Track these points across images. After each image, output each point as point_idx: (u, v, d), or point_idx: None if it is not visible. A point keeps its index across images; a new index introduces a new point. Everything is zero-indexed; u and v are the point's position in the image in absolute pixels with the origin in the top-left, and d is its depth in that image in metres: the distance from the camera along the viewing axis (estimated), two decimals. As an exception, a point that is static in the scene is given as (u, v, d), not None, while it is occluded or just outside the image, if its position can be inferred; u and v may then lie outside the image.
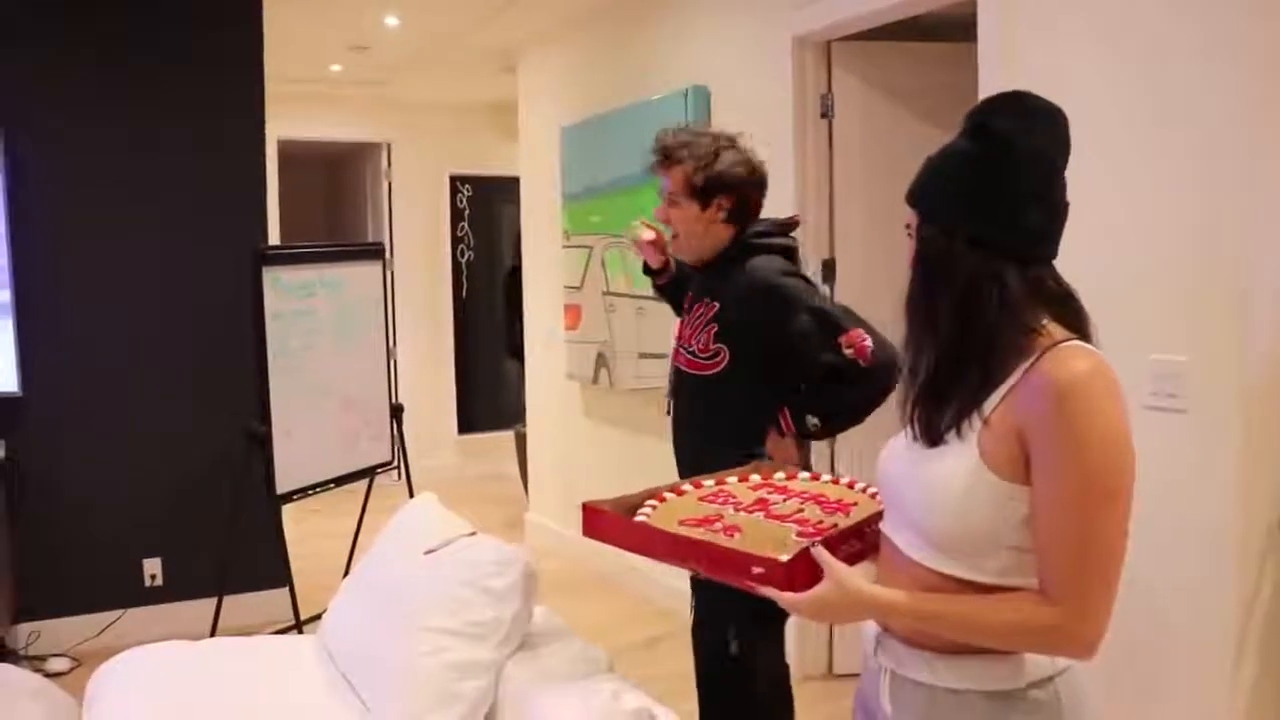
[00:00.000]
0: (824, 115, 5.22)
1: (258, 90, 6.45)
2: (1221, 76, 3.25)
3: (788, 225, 3.71)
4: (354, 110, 10.21)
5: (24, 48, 5.88)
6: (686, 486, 2.52)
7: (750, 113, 5.38)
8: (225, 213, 6.31)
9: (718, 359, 3.52)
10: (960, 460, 1.89)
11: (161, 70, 6.16)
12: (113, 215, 6.07)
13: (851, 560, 2.05)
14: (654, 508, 2.37)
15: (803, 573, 1.93)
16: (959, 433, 1.90)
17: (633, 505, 2.38)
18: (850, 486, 2.45)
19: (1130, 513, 1.82)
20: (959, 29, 4.48)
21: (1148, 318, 3.46)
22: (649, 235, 3.90)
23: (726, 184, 3.58)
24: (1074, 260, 3.67)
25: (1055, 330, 1.91)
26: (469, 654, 3.19)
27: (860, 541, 2.12)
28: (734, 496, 2.42)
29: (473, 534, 3.61)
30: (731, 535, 2.14)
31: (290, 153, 9.83)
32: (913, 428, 2.00)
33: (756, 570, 1.94)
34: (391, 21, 7.52)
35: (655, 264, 3.98)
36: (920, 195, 2.03)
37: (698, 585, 3.63)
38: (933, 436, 1.94)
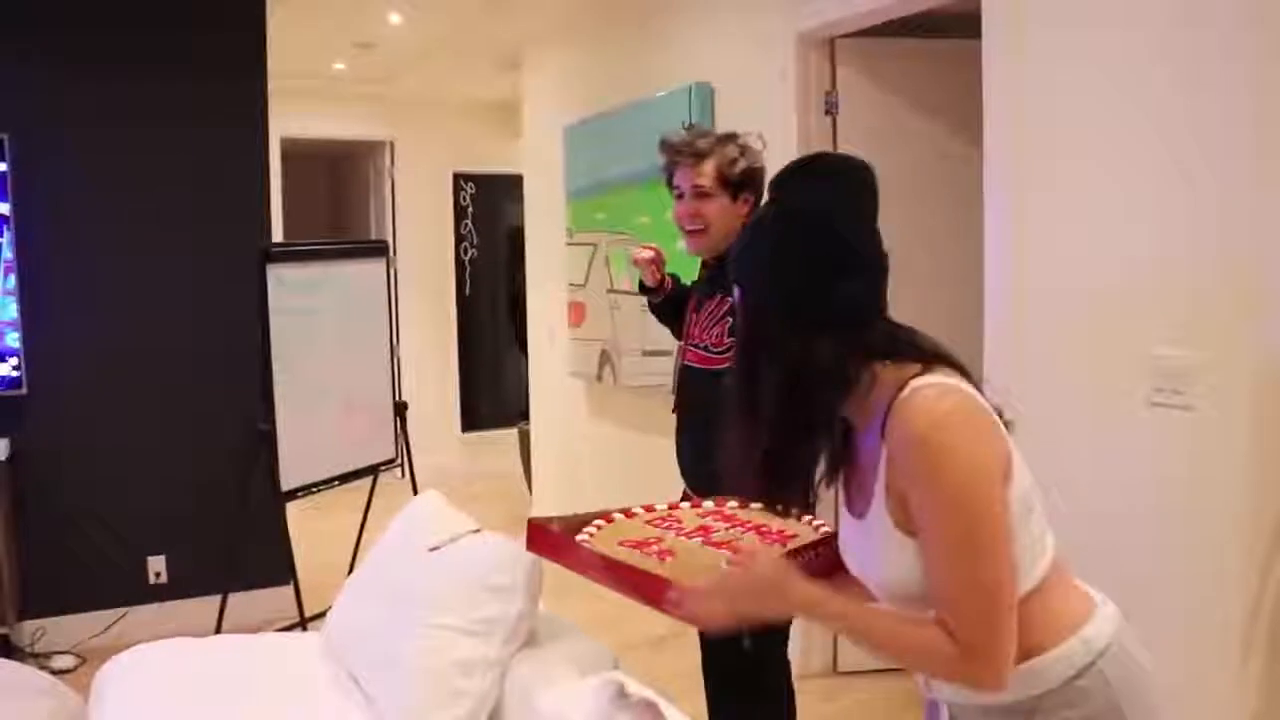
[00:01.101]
0: (828, 113, 5.20)
1: (261, 90, 6.46)
2: (1235, 74, 3.24)
3: None
4: (357, 108, 10.20)
5: (27, 53, 5.88)
6: (638, 510, 2.53)
7: (754, 110, 5.38)
8: (229, 211, 6.32)
9: (730, 353, 3.53)
10: (881, 530, 1.90)
11: (164, 71, 6.15)
12: (117, 215, 6.08)
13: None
14: (599, 528, 2.37)
15: None
16: (864, 510, 1.92)
17: (580, 525, 2.39)
18: (798, 519, 2.44)
19: (1006, 547, 1.81)
20: (966, 25, 4.47)
21: (1154, 314, 3.45)
22: (648, 254, 3.96)
23: (755, 180, 3.68)
24: (1082, 256, 3.67)
25: (896, 375, 1.89)
26: (474, 651, 3.18)
27: None
28: (679, 522, 2.44)
29: (477, 531, 3.61)
30: (664, 559, 2.16)
31: (294, 151, 9.82)
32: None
33: (671, 595, 1.95)
34: (395, 19, 7.51)
35: (652, 281, 4.00)
36: (737, 271, 2.01)
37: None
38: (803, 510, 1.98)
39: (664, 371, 5.66)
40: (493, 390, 11.24)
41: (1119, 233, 3.57)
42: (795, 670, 3.80)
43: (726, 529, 2.37)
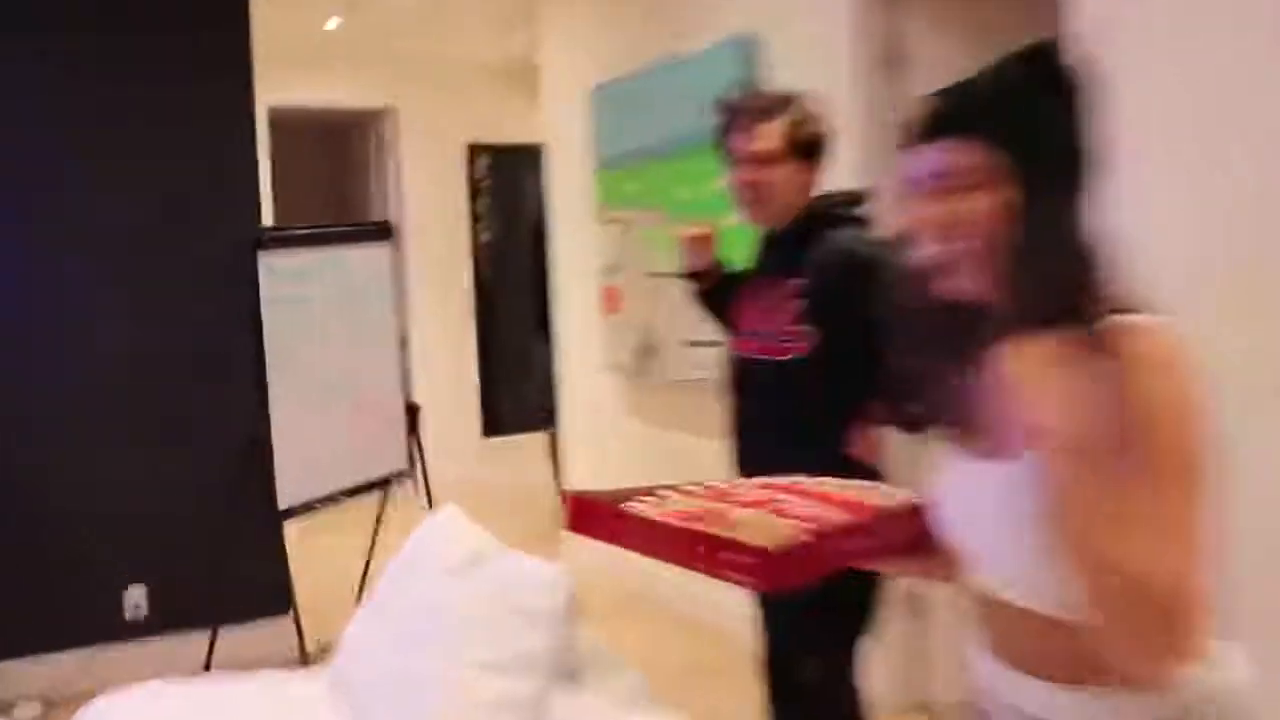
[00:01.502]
0: (893, 67, 5.17)
1: (245, 53, 6.44)
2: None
3: (858, 198, 3.74)
4: (355, 72, 10.21)
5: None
6: (691, 486, 2.52)
7: (807, 66, 5.34)
8: (212, 192, 6.30)
9: (802, 341, 3.53)
10: (1040, 479, 1.83)
11: (133, 35, 6.16)
12: (83, 201, 6.07)
13: (862, 557, 2.12)
14: (648, 503, 2.36)
15: (789, 569, 1.94)
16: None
17: (623, 499, 2.39)
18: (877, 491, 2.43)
19: (1205, 508, 1.78)
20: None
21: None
22: (700, 232, 3.93)
23: (821, 145, 3.69)
24: (1189, 223, 3.65)
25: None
26: (508, 687, 3.17)
27: (870, 539, 2.14)
28: (741, 495, 2.42)
29: (505, 551, 3.60)
30: (724, 528, 2.14)
31: (284, 122, 9.83)
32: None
33: (740, 559, 1.93)
34: (396, -31, 7.52)
35: (699, 266, 3.97)
36: (1005, 126, 1.94)
37: (768, 605, 3.63)
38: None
39: (715, 364, 5.63)
40: (517, 389, 11.22)
41: (1230, 196, 3.54)
42: (875, 707, 3.77)
43: (793, 500, 2.36)
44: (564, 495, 2.37)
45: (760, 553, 1.92)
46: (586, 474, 8.08)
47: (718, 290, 3.98)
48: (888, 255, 3.50)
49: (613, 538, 2.26)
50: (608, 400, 7.66)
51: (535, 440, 10.21)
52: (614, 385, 7.55)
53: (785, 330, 3.59)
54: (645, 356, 6.95)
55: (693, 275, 4.02)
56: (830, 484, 2.46)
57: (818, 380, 3.52)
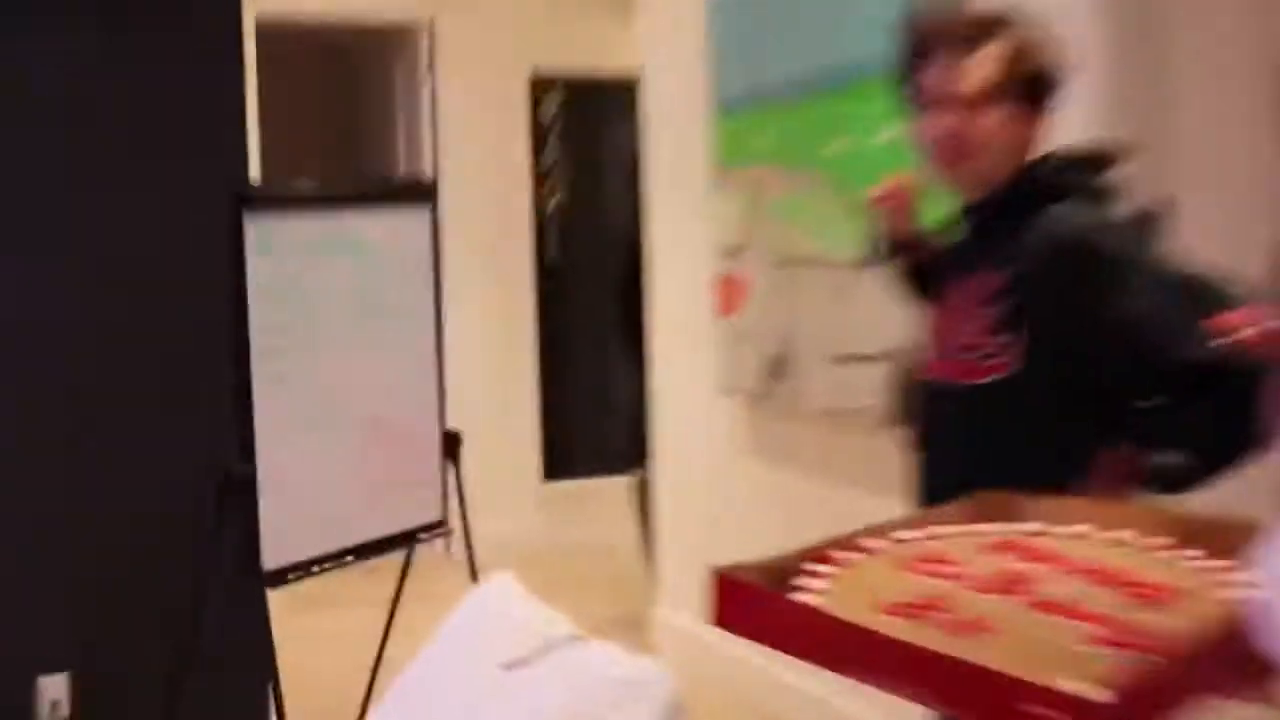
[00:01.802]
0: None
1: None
2: None
3: (1098, 161, 3.66)
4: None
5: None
6: (873, 541, 2.38)
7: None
8: (179, 130, 6.29)
9: (1003, 358, 3.48)
10: None
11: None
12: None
13: (1177, 698, 1.91)
14: (829, 578, 2.23)
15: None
16: None
17: (784, 573, 2.25)
18: (1148, 548, 2.31)
19: None
20: None
21: None
22: (895, 185, 3.94)
23: (1051, 85, 3.66)
24: None
25: None
26: (582, 830, 3.14)
27: (1212, 670, 1.96)
28: (961, 563, 2.27)
29: (579, 638, 3.57)
30: (974, 636, 1.99)
31: (279, 40, 9.86)
32: None
33: (1036, 711, 1.74)
34: None
35: (898, 235, 3.95)
36: None
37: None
38: None
39: (874, 385, 5.57)
40: (593, 415, 11.28)
41: None
42: None
43: (1052, 576, 2.21)
44: (713, 576, 2.22)
45: (1081, 705, 1.72)
46: (689, 535, 8.06)
47: (927, 267, 3.97)
48: (1135, 241, 3.45)
49: (788, 644, 2.13)
50: (722, 434, 7.65)
51: (615, 486, 10.20)
52: (731, 414, 7.56)
53: (982, 342, 3.53)
54: (777, 375, 6.94)
55: (896, 248, 3.99)
56: (1098, 550, 2.34)
57: (1026, 412, 3.46)
